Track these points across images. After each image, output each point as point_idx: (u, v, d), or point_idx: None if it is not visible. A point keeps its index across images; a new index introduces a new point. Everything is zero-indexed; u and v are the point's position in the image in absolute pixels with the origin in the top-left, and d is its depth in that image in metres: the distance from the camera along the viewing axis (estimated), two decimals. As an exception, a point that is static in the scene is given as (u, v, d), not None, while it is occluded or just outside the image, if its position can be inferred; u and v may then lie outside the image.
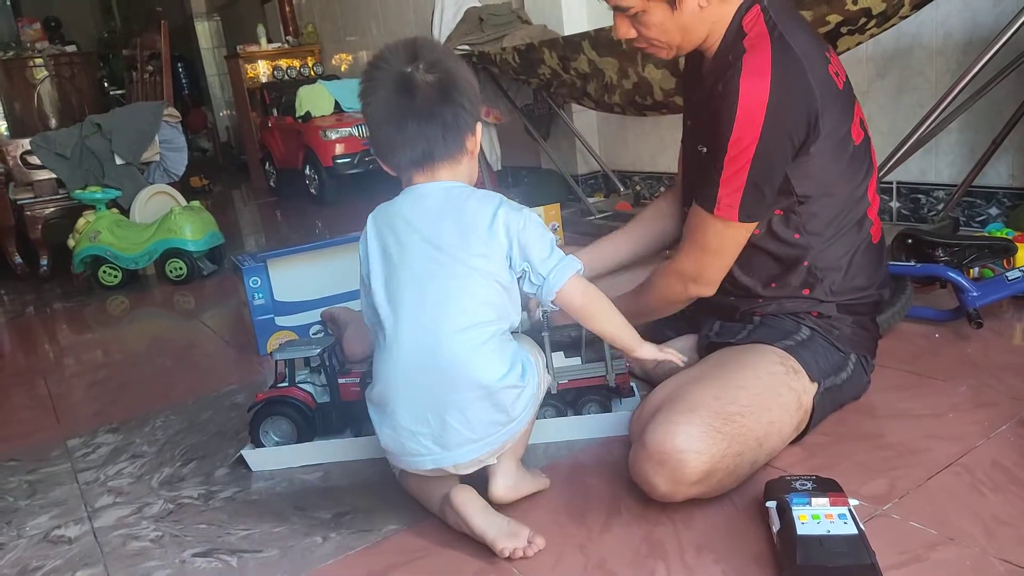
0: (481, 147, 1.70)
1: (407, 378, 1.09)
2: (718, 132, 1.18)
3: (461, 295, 1.09)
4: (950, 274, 1.66)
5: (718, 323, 1.39)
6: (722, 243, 1.26)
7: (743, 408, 1.14)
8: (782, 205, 1.26)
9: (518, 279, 1.13)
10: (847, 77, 1.28)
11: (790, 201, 1.25)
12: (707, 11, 1.21)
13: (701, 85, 1.31)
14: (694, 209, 1.26)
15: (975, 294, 1.62)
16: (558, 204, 2.30)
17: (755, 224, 1.25)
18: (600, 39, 2.48)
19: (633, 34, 1.26)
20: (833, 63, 1.24)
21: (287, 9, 6.04)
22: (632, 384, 1.47)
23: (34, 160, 3.41)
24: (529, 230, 1.12)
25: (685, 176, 1.45)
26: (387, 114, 1.12)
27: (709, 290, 1.32)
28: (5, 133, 5.80)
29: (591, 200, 3.24)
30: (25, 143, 3.44)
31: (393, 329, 1.11)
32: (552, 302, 1.14)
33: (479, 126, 1.17)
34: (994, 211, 2.27)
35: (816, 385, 1.25)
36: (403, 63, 1.11)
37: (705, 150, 1.25)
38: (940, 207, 2.34)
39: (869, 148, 1.31)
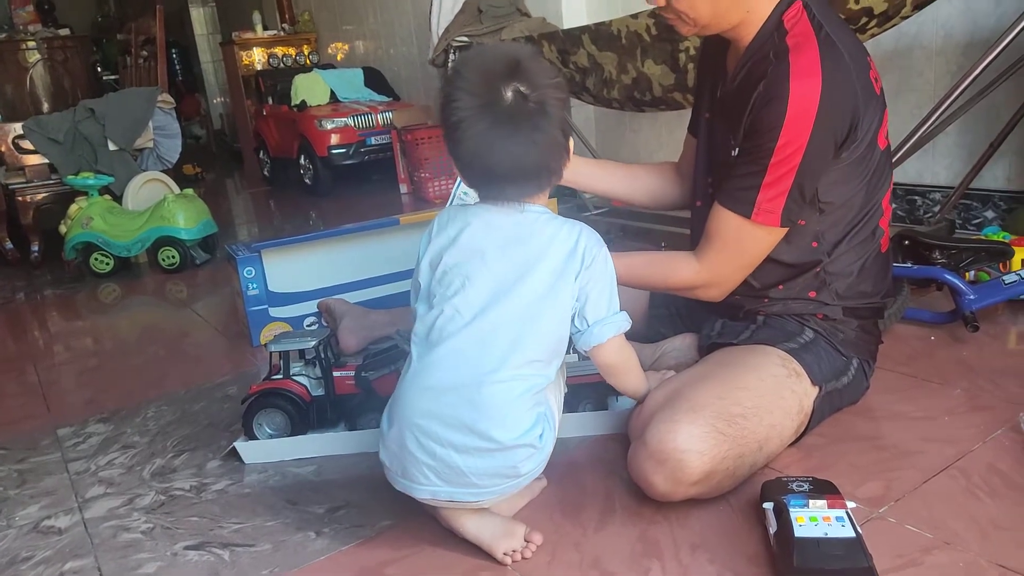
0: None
1: (430, 407, 1.04)
2: (760, 135, 1.14)
3: (513, 343, 1.04)
4: (947, 277, 1.66)
5: (720, 322, 1.37)
6: (756, 248, 1.23)
7: (746, 410, 1.13)
8: (805, 214, 1.22)
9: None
10: (882, 83, 1.24)
11: (813, 209, 1.22)
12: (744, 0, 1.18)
13: (727, 78, 1.28)
14: (722, 213, 1.21)
15: (971, 297, 1.63)
16: (555, 199, 2.28)
17: (788, 228, 1.22)
18: (600, 33, 2.47)
19: (662, 2, 1.20)
20: (873, 68, 1.21)
21: (283, -4, 6.01)
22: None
23: (26, 144, 3.38)
24: (596, 267, 1.07)
25: (704, 173, 1.38)
26: (483, 143, 1.02)
27: (722, 295, 1.29)
28: (-3, 117, 5.75)
29: (587, 195, 3.23)
30: (17, 127, 3.41)
31: (439, 352, 1.05)
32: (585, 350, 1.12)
33: (571, 143, 1.09)
34: (990, 214, 2.27)
35: (817, 389, 1.25)
36: (501, 84, 1.00)
37: (737, 151, 1.21)
38: (936, 209, 2.35)
39: (890, 157, 1.28)
